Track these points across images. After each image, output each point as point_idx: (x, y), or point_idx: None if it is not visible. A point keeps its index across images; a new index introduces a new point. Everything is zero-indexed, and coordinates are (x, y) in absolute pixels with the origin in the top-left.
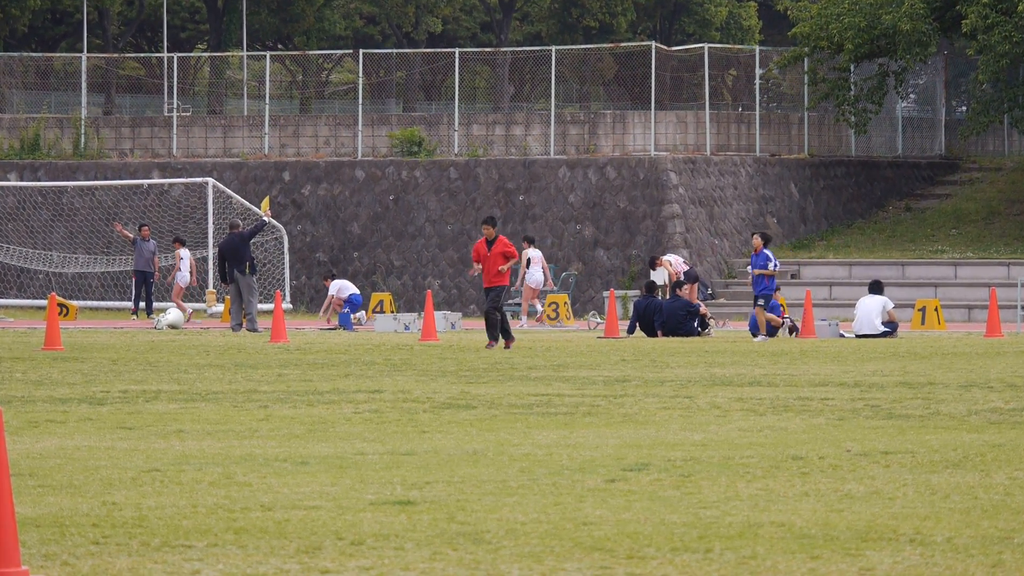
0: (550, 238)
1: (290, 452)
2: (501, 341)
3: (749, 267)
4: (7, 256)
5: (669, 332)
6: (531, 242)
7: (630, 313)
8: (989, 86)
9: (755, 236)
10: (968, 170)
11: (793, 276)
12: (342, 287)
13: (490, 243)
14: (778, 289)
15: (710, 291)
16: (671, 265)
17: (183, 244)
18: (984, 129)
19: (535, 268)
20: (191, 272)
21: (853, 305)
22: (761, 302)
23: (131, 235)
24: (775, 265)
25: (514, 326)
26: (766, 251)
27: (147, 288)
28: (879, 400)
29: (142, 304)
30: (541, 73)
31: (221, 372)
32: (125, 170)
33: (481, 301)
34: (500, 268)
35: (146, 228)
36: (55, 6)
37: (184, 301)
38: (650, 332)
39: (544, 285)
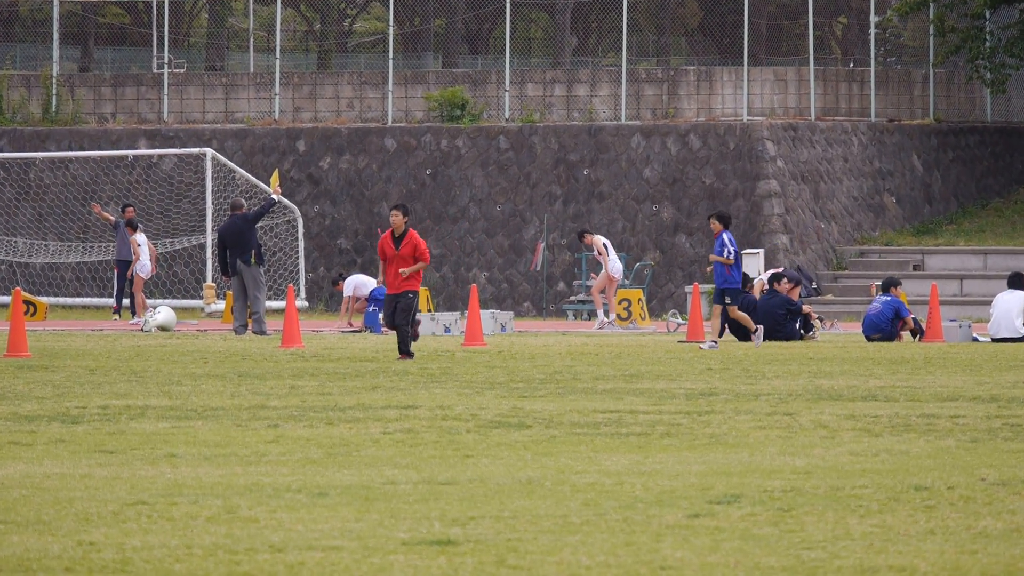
0: (620, 221)
1: (305, 481)
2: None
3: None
4: None
5: (765, 335)
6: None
7: None
8: None
9: (711, 218)
10: None
11: (916, 267)
12: (359, 284)
13: (398, 239)
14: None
15: (815, 285)
16: (605, 249)
17: (136, 229)
18: None
19: (614, 256)
20: (152, 260)
21: (989, 303)
22: (728, 299)
23: (113, 218)
24: (731, 252)
25: (592, 327)
26: (725, 235)
27: (133, 282)
28: (1021, 418)
29: (126, 301)
30: (610, 21)
31: (222, 384)
32: (106, 139)
33: (537, 298)
34: (402, 271)
35: (131, 209)
36: None
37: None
38: (742, 335)
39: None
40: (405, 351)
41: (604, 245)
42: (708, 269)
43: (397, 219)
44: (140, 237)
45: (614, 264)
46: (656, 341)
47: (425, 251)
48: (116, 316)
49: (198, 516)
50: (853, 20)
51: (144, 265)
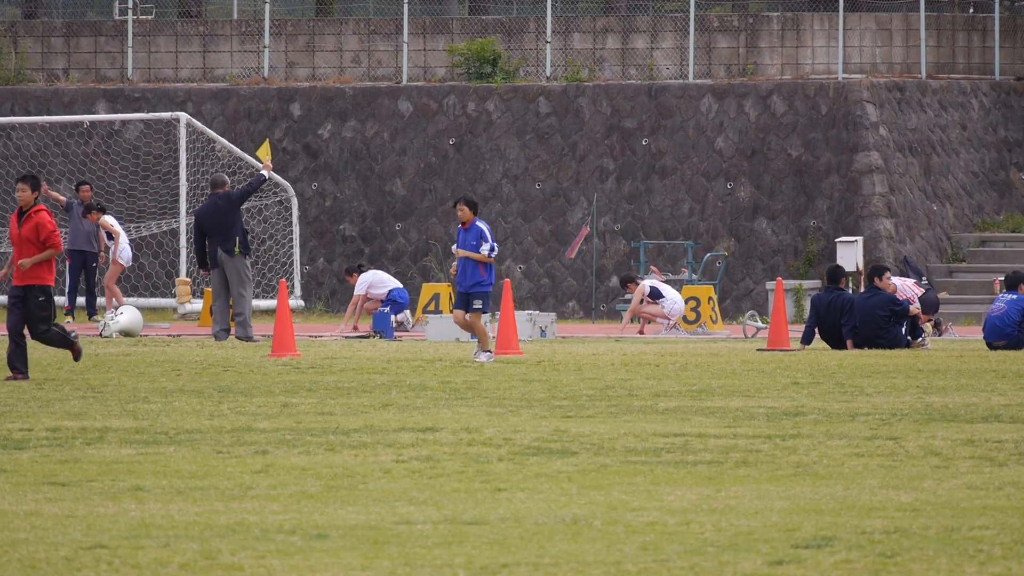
0: (687, 202)
1: (300, 520)
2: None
3: (454, 247)
4: None
5: (864, 341)
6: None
7: (806, 314)
8: None
9: (458, 204)
10: None
11: None
12: (375, 282)
13: (21, 213)
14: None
15: (925, 280)
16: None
17: (103, 211)
18: None
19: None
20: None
21: None
22: (478, 304)
23: (64, 198)
24: (492, 249)
25: (651, 332)
26: (479, 224)
27: (88, 276)
28: None
29: (81, 300)
30: None
31: (199, 401)
32: (56, 100)
33: (584, 296)
34: (22, 263)
35: (87, 187)
36: None
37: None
38: (836, 341)
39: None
40: (18, 369)
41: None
42: (459, 255)
43: (24, 194)
44: (110, 219)
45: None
46: (730, 349)
47: (53, 234)
48: (69, 318)
49: (169, 563)
50: None
51: (124, 250)
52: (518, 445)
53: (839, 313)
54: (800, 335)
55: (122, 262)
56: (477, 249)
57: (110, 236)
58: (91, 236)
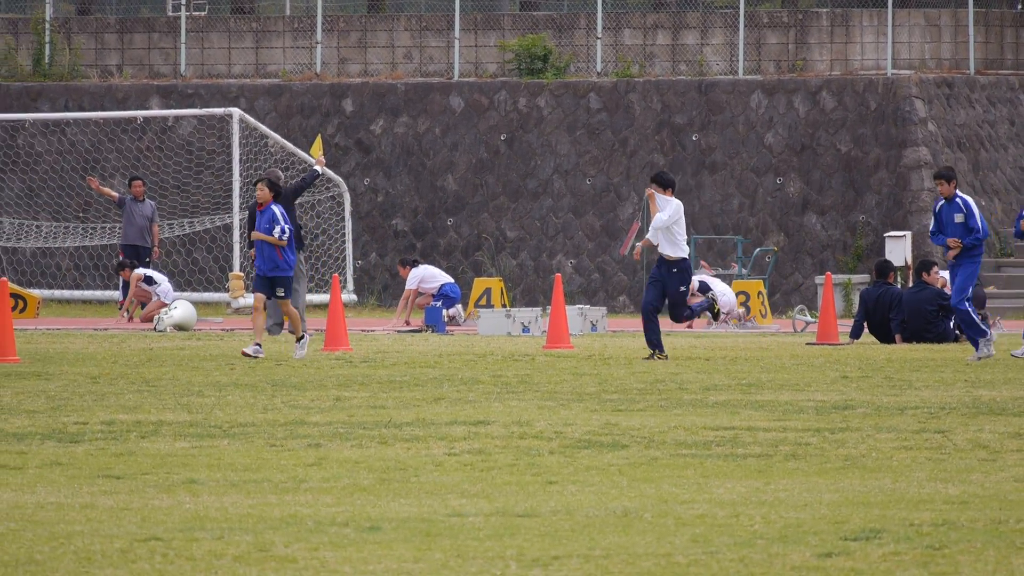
0: (737, 197)
1: (353, 512)
2: None
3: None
4: None
5: (912, 336)
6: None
7: (854, 308)
8: None
9: (259, 184)
10: None
11: None
12: (427, 277)
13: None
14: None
15: None
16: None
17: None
18: None
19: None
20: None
21: None
22: (280, 292)
23: (117, 194)
24: (284, 231)
25: (701, 327)
26: (273, 207)
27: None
28: None
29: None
30: None
31: (252, 395)
32: (110, 96)
33: (635, 291)
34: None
35: (139, 182)
36: None
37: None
38: (884, 336)
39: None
40: None
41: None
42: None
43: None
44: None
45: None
46: (780, 343)
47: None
48: (125, 314)
49: (224, 555)
50: None
51: (168, 292)
52: (569, 438)
53: (887, 307)
54: (849, 330)
55: (166, 300)
56: (271, 232)
57: (150, 280)
58: (144, 231)
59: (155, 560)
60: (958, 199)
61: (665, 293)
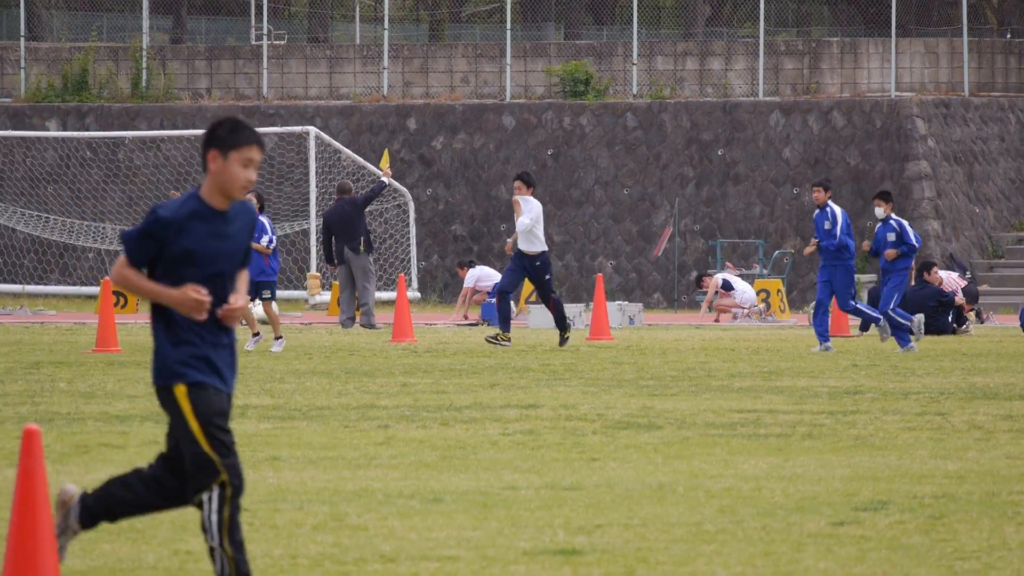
0: (758, 205)
1: (418, 486)
2: None
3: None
4: (46, 229)
5: None
6: (703, 280)
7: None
8: None
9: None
10: None
11: None
12: (482, 276)
13: None
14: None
15: (968, 274)
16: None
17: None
18: None
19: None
20: None
21: None
22: (267, 294)
23: None
24: (271, 240)
25: (726, 321)
26: (261, 218)
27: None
28: None
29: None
30: None
31: (328, 381)
32: (200, 116)
33: (668, 289)
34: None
35: None
36: None
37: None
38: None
39: (748, 267)
40: None
41: (725, 280)
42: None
43: None
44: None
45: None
46: (797, 335)
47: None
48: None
49: (303, 524)
50: None
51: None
52: (610, 420)
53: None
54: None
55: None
56: (259, 240)
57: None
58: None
59: (243, 528)
60: (828, 208)
61: (532, 281)
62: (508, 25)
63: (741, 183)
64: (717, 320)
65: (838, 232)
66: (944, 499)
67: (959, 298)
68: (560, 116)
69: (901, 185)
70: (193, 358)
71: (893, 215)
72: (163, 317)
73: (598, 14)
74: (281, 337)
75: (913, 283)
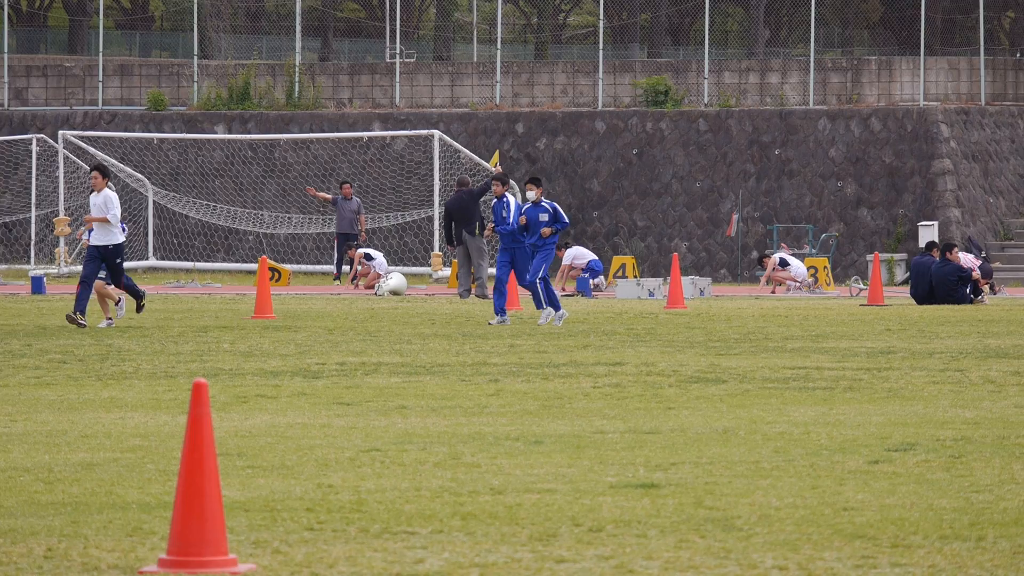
0: (808, 196)
1: (522, 430)
2: None
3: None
4: (214, 216)
5: (938, 300)
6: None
7: (896, 278)
8: None
9: (92, 172)
10: None
11: None
12: (577, 255)
13: None
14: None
15: (984, 254)
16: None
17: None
18: None
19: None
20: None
21: None
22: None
23: (329, 196)
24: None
25: (781, 292)
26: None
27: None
28: None
29: (346, 268)
30: (799, 15)
31: (447, 343)
32: (343, 122)
33: (732, 265)
34: None
35: (348, 185)
36: None
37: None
38: (924, 296)
39: (800, 248)
40: None
41: (781, 258)
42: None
43: None
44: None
45: (796, 270)
46: (840, 304)
47: None
48: (336, 282)
49: (426, 462)
50: (1020, 14)
51: (381, 263)
52: (683, 375)
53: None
54: (890, 294)
55: (381, 272)
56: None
57: (369, 257)
58: (352, 222)
59: (375, 466)
60: (544, 202)
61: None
62: (600, 46)
63: (794, 177)
64: (773, 292)
65: (511, 219)
66: (962, 441)
67: (976, 274)
68: (643, 122)
69: (928, 180)
70: None
71: (544, 199)
72: None
73: (676, 36)
74: (122, 302)
75: (937, 260)
